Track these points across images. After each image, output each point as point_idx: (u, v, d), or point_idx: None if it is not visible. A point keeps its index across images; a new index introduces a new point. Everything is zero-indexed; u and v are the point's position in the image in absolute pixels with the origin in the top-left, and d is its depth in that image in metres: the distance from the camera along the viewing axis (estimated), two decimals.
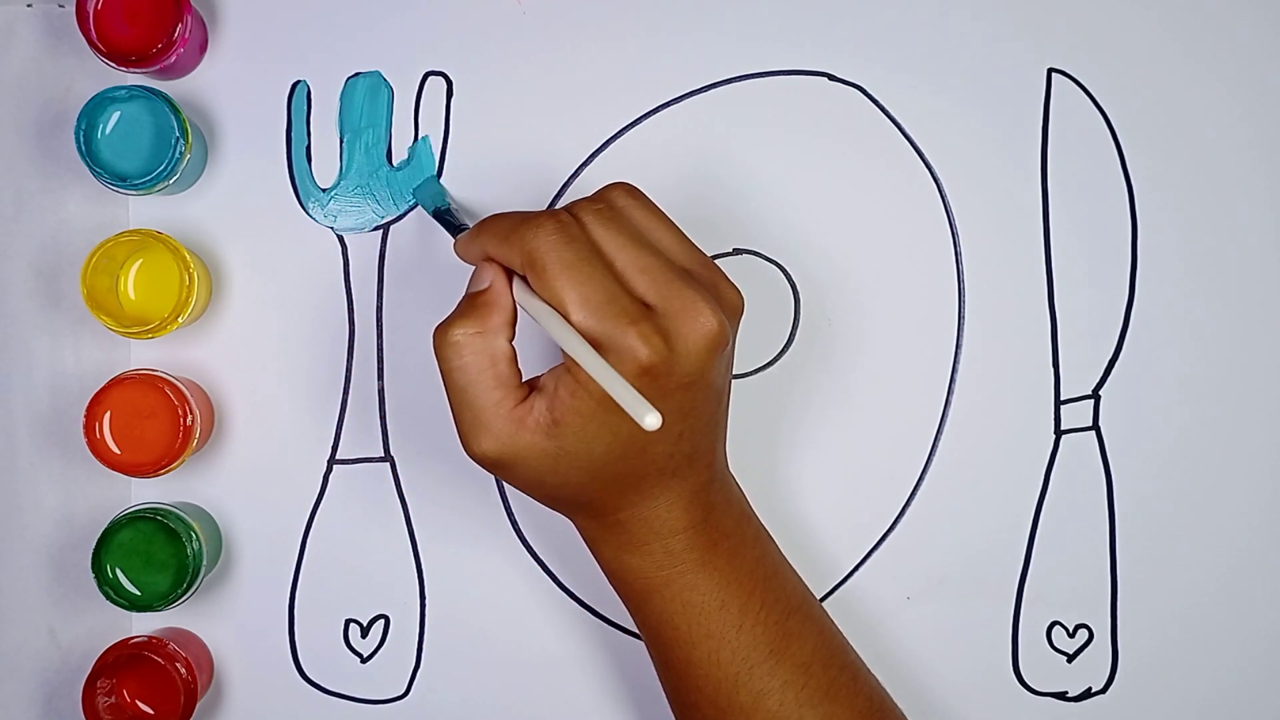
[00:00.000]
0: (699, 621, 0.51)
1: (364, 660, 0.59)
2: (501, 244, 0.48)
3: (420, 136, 0.59)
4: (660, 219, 0.50)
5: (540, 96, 0.59)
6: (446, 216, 0.56)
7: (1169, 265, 0.59)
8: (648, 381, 0.46)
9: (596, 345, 0.45)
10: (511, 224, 0.48)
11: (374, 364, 0.59)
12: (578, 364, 0.45)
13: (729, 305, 0.49)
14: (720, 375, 0.49)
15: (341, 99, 0.59)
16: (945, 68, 0.59)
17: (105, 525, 0.56)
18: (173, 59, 0.56)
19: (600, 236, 0.47)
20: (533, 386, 0.49)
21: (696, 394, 0.48)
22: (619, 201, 0.49)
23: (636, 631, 0.59)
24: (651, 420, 0.42)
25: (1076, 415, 0.59)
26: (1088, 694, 0.59)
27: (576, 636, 0.59)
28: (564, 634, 0.59)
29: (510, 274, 0.49)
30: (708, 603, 0.51)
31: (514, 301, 0.49)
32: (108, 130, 0.56)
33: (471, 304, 0.49)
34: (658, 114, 0.59)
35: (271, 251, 0.59)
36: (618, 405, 0.44)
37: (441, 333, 0.48)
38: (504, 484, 0.59)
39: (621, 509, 0.50)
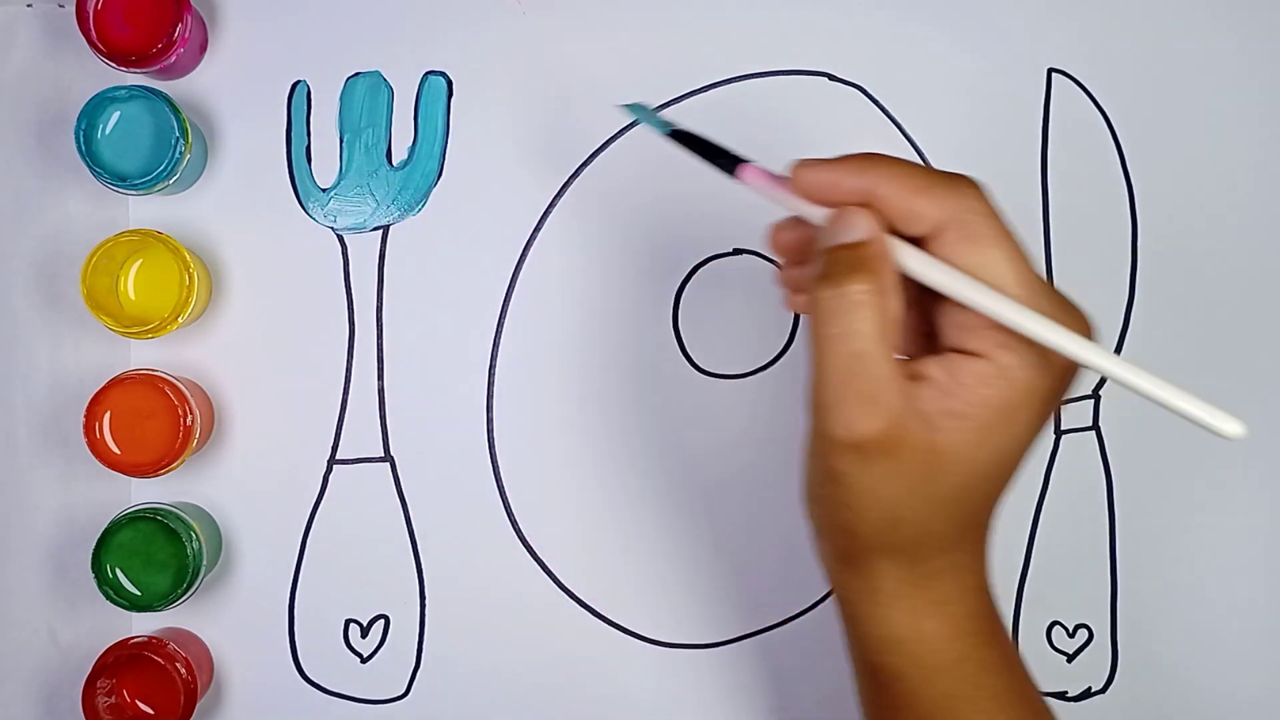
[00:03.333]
0: (987, 710, 0.44)
1: (364, 660, 0.59)
2: (915, 194, 0.41)
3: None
4: None
5: (540, 96, 0.59)
6: (692, 137, 0.47)
7: (1169, 265, 0.59)
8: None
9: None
10: (925, 174, 0.42)
11: (374, 364, 0.59)
12: (1008, 347, 0.40)
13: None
14: None
15: (341, 99, 0.59)
16: (945, 68, 0.59)
17: (105, 525, 0.56)
18: (173, 59, 0.56)
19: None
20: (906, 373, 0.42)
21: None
22: None
23: (636, 632, 0.59)
24: (1234, 427, 0.38)
25: (1076, 415, 0.59)
26: (1088, 694, 0.59)
27: (576, 637, 0.59)
28: (564, 634, 0.59)
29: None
30: (998, 685, 0.44)
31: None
32: (108, 130, 0.56)
33: (858, 257, 0.41)
34: (657, 114, 0.59)
35: (271, 251, 0.59)
36: (1032, 403, 0.40)
37: (833, 287, 0.41)
38: (504, 483, 0.59)
39: (944, 552, 0.43)
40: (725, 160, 0.46)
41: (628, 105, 0.50)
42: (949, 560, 0.43)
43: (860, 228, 0.42)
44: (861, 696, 0.47)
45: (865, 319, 0.40)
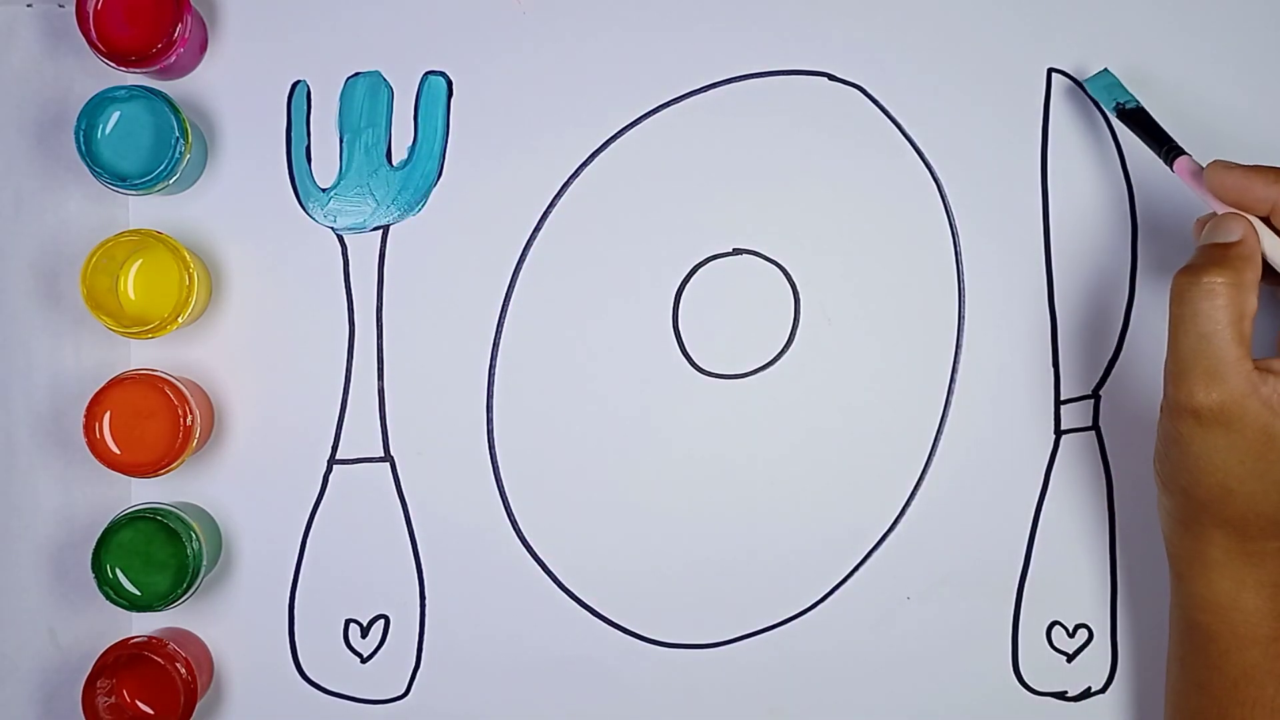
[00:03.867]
0: None
1: (364, 660, 0.59)
2: None
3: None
4: None
5: (540, 96, 0.59)
6: (1142, 118, 0.53)
7: (1168, 265, 0.59)
8: None
9: None
10: None
11: (374, 364, 0.59)
12: None
13: None
14: None
15: (341, 99, 0.59)
16: (945, 68, 0.59)
17: (105, 525, 0.56)
18: (173, 59, 0.56)
19: None
20: (1256, 365, 0.48)
21: None
22: None
23: (636, 632, 0.59)
24: None
25: (1076, 415, 0.59)
26: (1087, 694, 0.59)
27: (576, 637, 0.59)
28: (563, 634, 0.59)
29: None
30: None
31: (1261, 263, 0.48)
32: (108, 130, 0.56)
33: (1224, 254, 0.47)
34: (658, 114, 0.59)
35: (271, 251, 0.59)
36: None
37: (1191, 276, 0.47)
38: (504, 483, 0.59)
39: (1275, 537, 0.48)
40: (1166, 148, 0.52)
41: (1093, 77, 0.55)
42: (1278, 546, 0.48)
43: (1235, 232, 0.48)
44: (1172, 656, 0.52)
45: (1217, 306, 0.46)
